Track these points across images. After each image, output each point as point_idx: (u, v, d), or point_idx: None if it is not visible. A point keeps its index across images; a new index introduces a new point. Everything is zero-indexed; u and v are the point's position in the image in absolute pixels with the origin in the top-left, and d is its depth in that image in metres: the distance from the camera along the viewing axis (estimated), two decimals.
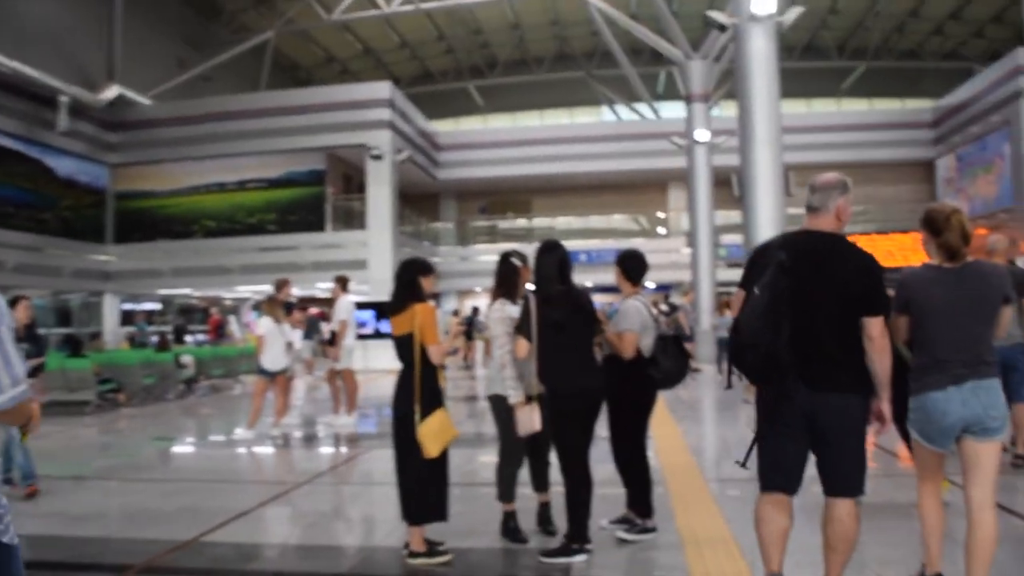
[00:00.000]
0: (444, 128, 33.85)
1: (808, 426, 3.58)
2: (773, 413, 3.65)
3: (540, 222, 32.71)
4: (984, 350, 3.72)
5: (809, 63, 35.23)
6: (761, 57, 14.99)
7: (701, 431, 11.29)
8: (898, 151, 30.28)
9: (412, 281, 5.08)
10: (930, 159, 30.10)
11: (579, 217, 32.62)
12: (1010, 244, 7.46)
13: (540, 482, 5.51)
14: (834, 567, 3.66)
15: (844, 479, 3.62)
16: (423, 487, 4.94)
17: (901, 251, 25.04)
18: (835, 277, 3.57)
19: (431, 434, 4.86)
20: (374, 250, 24.64)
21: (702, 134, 23.33)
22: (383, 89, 25.47)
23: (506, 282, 5.44)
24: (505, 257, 5.54)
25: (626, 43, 30.29)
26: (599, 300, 30.99)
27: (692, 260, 23.86)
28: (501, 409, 5.31)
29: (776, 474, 3.69)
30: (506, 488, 5.39)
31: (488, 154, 31.06)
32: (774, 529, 3.66)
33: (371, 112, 25.06)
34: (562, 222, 32.58)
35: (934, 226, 3.80)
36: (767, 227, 14.02)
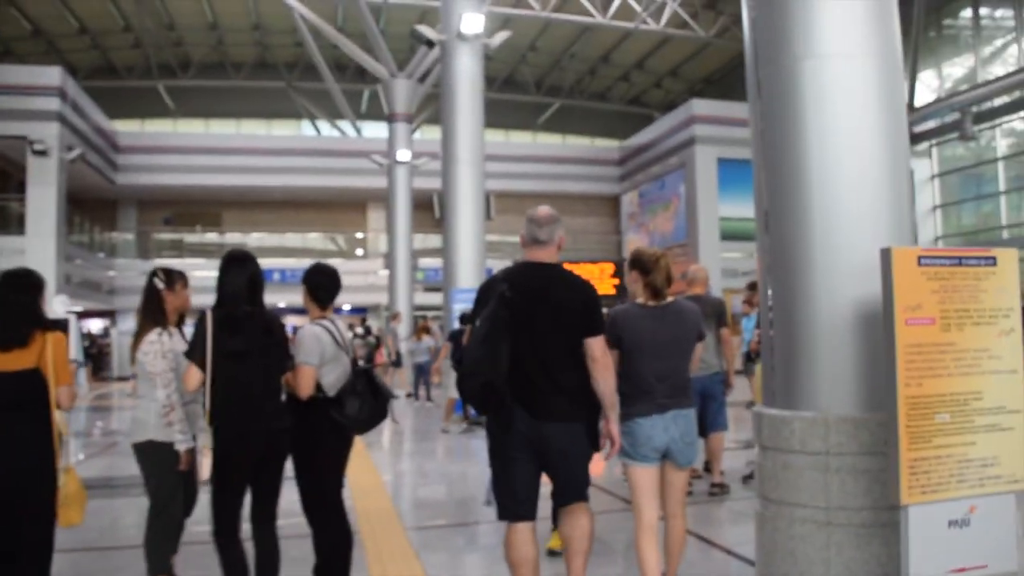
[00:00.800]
0: (127, 128, 30.81)
1: (535, 453, 3.68)
2: (501, 443, 3.74)
3: (232, 237, 30.61)
4: (683, 382, 4.14)
5: (509, 95, 36.09)
6: (467, 76, 14.72)
7: (400, 466, 10.36)
8: (588, 185, 31.76)
9: (34, 302, 3.96)
10: (616, 194, 31.83)
11: (274, 234, 30.92)
12: (706, 276, 7.66)
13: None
14: (579, 568, 3.80)
15: (576, 490, 3.82)
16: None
17: (590, 280, 25.89)
18: (556, 304, 3.70)
19: (76, 496, 4.02)
20: (34, 260, 21.51)
21: (404, 154, 22.85)
22: (52, 75, 22.53)
23: (150, 307, 4.39)
24: (149, 276, 4.49)
25: (331, 57, 29.37)
26: (293, 322, 29.63)
27: (389, 283, 23.19)
28: (156, 460, 4.17)
29: (513, 502, 3.74)
30: (160, 559, 4.18)
31: (176, 160, 28.50)
32: (523, 554, 3.69)
33: (36, 100, 22.06)
34: (255, 238, 30.73)
35: (644, 267, 4.14)
36: (468, 249, 13.66)
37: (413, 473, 9.78)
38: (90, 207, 29.46)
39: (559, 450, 3.69)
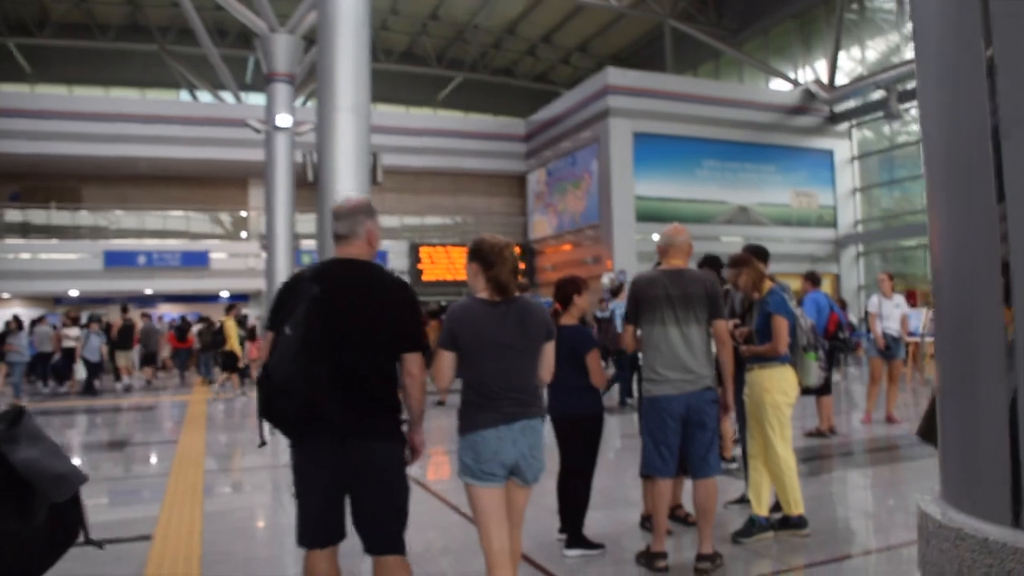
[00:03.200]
0: None
1: (336, 473, 3.18)
2: (306, 468, 3.21)
3: (90, 218, 26.56)
4: (532, 388, 3.58)
5: (407, 67, 33.00)
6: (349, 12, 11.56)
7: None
8: (491, 162, 28.89)
9: None
10: (522, 172, 29.03)
11: (140, 212, 26.94)
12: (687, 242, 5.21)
13: None
14: None
15: (388, 535, 3.26)
16: None
17: None
18: (372, 308, 3.24)
19: None
20: None
21: (284, 119, 19.46)
22: None
23: None
24: None
25: (211, 20, 25.88)
26: (168, 312, 25.86)
27: (267, 267, 19.82)
28: None
29: (311, 530, 3.23)
30: None
31: (25, 125, 24.25)
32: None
33: None
34: (118, 216, 26.68)
35: (486, 259, 3.56)
36: None
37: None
38: None
39: (370, 474, 3.19)
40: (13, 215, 25.90)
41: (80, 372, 18.61)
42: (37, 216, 26.03)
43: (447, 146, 27.88)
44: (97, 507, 6.87)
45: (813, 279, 10.21)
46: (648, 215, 23.24)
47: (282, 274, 19.31)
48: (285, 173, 19.90)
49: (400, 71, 32.65)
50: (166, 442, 10.91)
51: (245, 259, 25.04)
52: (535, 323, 3.58)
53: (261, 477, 8.59)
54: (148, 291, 25.25)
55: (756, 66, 28.16)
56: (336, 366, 3.08)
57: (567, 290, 5.05)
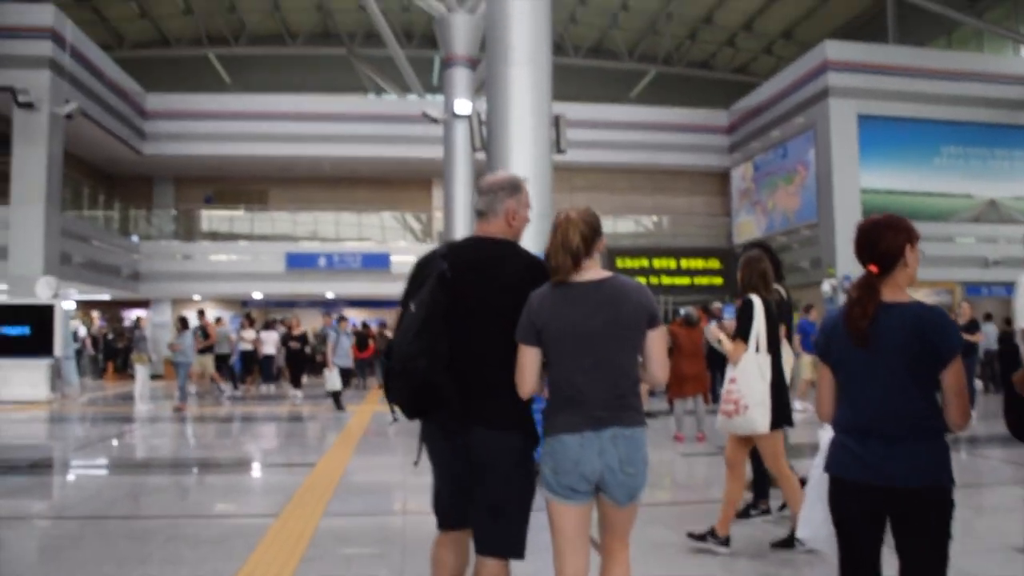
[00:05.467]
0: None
1: (465, 458, 2.98)
2: (431, 444, 3.08)
3: (280, 217, 25.80)
4: (627, 388, 2.91)
5: (597, 62, 30.58)
6: None
7: None
8: (691, 157, 25.87)
9: None
10: (725, 168, 25.77)
11: (326, 213, 25.90)
12: None
13: None
14: None
15: (494, 534, 2.97)
16: None
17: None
18: (498, 287, 3.03)
19: None
20: (19, 234, 17.14)
21: (463, 105, 17.40)
22: (43, 13, 17.94)
23: None
24: None
25: (397, 23, 25.01)
26: (354, 317, 24.59)
27: None
28: None
29: (439, 511, 3.11)
30: None
31: (216, 128, 23.75)
32: (442, 571, 3.10)
33: (23, 44, 17.56)
34: (311, 218, 25.79)
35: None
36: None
37: None
38: (123, 183, 25.27)
39: (482, 464, 2.95)
40: (206, 218, 25.56)
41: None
42: (225, 219, 25.56)
43: (643, 140, 25.09)
44: None
45: None
46: (876, 211, 19.33)
47: None
48: (465, 166, 17.91)
49: (589, 66, 30.27)
50: None
51: None
52: (628, 306, 2.88)
53: None
54: (329, 294, 24.03)
55: (1005, 35, 23.53)
56: (458, 347, 2.89)
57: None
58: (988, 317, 14.82)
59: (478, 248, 3.10)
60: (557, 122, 9.36)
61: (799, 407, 13.62)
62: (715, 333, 5.33)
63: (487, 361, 2.96)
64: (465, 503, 3.01)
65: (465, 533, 3.07)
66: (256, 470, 8.77)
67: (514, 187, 3.13)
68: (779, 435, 4.96)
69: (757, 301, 4.84)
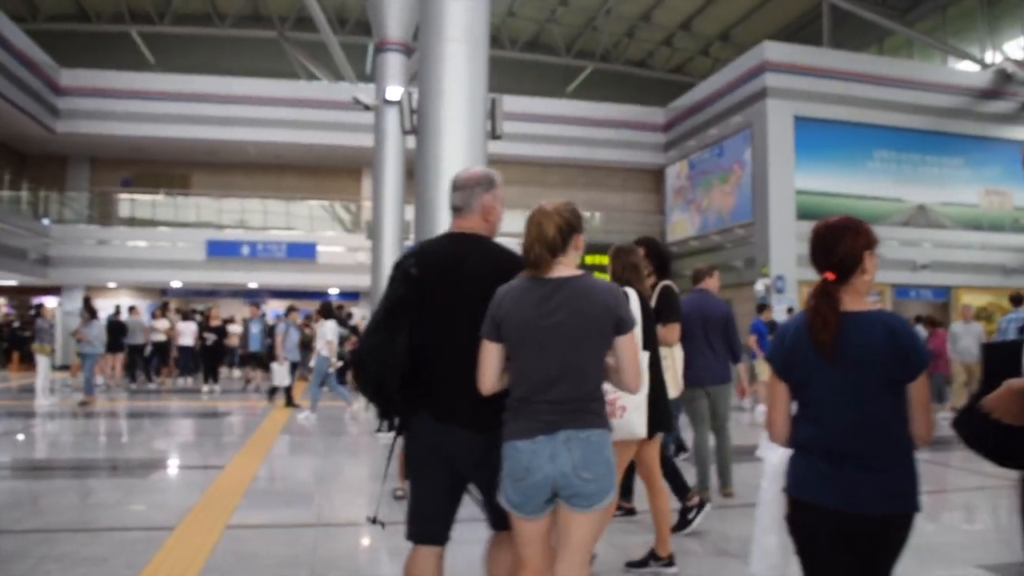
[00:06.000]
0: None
1: (445, 464, 2.92)
2: (409, 451, 3.02)
3: (204, 203, 24.60)
4: (584, 389, 2.72)
5: (533, 56, 30.04)
6: None
7: None
8: (626, 153, 25.57)
9: None
10: (660, 166, 25.54)
11: (249, 200, 24.82)
12: None
13: None
14: None
15: (494, 512, 2.92)
16: None
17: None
18: (469, 282, 2.91)
19: None
20: None
21: (395, 91, 16.60)
22: None
23: None
24: None
25: (331, 7, 24.19)
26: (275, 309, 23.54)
27: (373, 261, 17.04)
28: None
29: (414, 522, 2.97)
30: None
31: (136, 107, 22.52)
32: None
33: None
34: (236, 205, 24.66)
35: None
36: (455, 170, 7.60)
37: None
38: (35, 162, 23.80)
39: (469, 463, 2.89)
40: (123, 202, 24.23)
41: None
42: (145, 203, 24.26)
43: (578, 135, 24.70)
44: None
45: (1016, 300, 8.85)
46: (810, 212, 19.49)
47: (389, 268, 16.53)
48: (396, 154, 17.12)
49: (526, 60, 29.73)
50: None
51: (355, 253, 22.50)
52: (593, 303, 2.70)
53: None
54: (252, 284, 23.01)
55: (935, 46, 23.79)
56: (423, 343, 2.89)
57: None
58: (918, 320, 14.74)
59: (450, 244, 3.05)
60: (493, 106, 8.75)
61: (761, 410, 13.37)
62: None
63: (461, 358, 2.84)
64: (442, 515, 2.95)
65: (440, 551, 2.98)
66: (159, 473, 7.94)
67: (490, 182, 3.07)
68: (657, 441, 4.56)
69: (632, 294, 4.31)
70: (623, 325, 2.73)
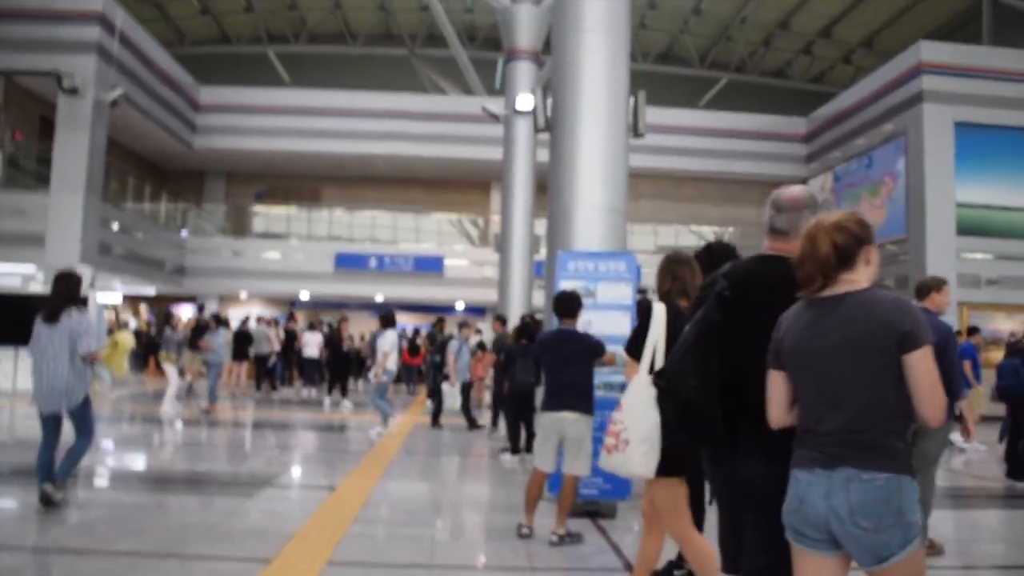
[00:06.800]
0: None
1: (730, 490, 2.79)
2: (711, 481, 2.92)
3: (335, 216, 24.77)
4: (868, 422, 2.36)
5: (666, 68, 29.03)
6: None
7: None
8: (764, 166, 24.19)
9: None
10: (802, 178, 23.99)
11: (387, 212, 24.84)
12: None
13: None
14: None
15: (751, 567, 2.68)
16: None
17: None
18: (778, 309, 2.65)
19: None
20: (57, 222, 16.26)
21: (525, 100, 15.99)
22: None
23: None
24: None
25: (460, 23, 24.12)
26: (407, 321, 23.34)
27: (500, 275, 16.50)
28: None
29: (721, 552, 2.92)
30: None
31: (269, 122, 22.89)
32: None
33: (71, 29, 16.75)
34: (366, 218, 24.73)
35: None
36: (594, 185, 7.04)
37: None
38: (176, 178, 24.54)
39: (747, 500, 2.68)
40: (257, 215, 24.71)
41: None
42: (278, 216, 24.64)
43: (713, 147, 23.54)
44: None
45: None
46: (972, 227, 17.75)
47: (517, 283, 15.92)
48: (526, 166, 16.57)
49: (658, 72, 28.71)
50: None
51: (482, 268, 22.04)
52: (873, 324, 2.38)
53: None
54: (379, 297, 22.87)
55: None
56: (729, 371, 2.71)
57: None
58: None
59: (762, 266, 2.86)
60: (636, 101, 7.93)
61: (969, 446, 12.00)
62: None
63: (751, 390, 2.67)
64: (737, 543, 2.79)
65: None
66: (267, 492, 7.39)
67: (815, 204, 2.91)
68: (677, 484, 3.74)
69: (659, 308, 3.75)
70: (908, 341, 2.34)
